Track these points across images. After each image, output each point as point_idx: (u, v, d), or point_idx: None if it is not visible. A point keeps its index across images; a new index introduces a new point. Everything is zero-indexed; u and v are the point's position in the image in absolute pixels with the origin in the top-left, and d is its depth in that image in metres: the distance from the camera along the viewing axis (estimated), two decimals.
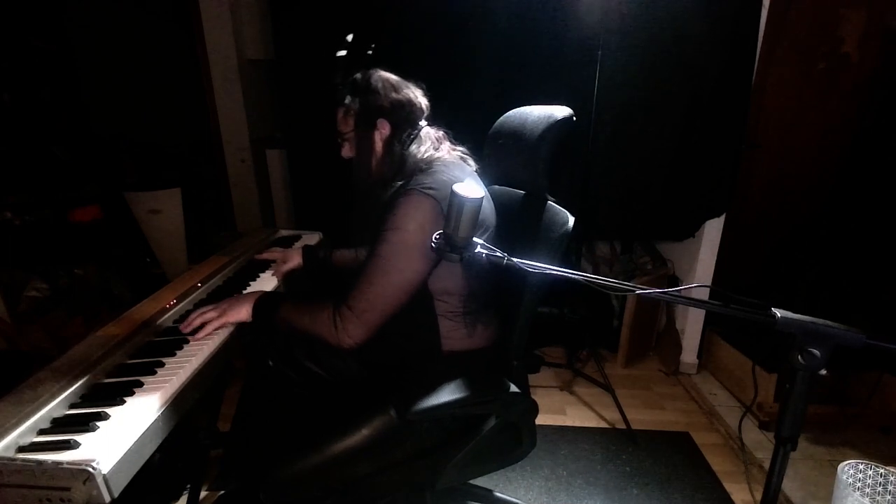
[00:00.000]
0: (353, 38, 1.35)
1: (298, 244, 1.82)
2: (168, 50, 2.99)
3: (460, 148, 1.22)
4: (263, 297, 1.15)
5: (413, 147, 1.12)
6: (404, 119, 1.13)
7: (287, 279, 1.52)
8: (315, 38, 2.10)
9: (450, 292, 1.08)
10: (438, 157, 1.12)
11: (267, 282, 1.45)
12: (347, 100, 1.14)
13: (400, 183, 1.08)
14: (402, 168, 1.11)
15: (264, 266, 1.55)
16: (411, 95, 1.14)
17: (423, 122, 1.17)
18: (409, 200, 1.01)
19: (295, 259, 1.54)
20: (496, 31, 2.05)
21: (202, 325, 1.10)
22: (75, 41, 3.01)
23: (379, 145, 1.15)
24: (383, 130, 1.13)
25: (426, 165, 1.09)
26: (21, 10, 2.72)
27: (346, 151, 1.19)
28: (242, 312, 1.12)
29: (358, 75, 1.15)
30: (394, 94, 1.12)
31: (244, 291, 1.38)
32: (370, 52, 1.36)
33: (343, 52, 1.33)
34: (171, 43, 2.94)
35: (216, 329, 1.11)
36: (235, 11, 2.46)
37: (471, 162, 1.21)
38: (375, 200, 1.12)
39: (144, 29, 3.03)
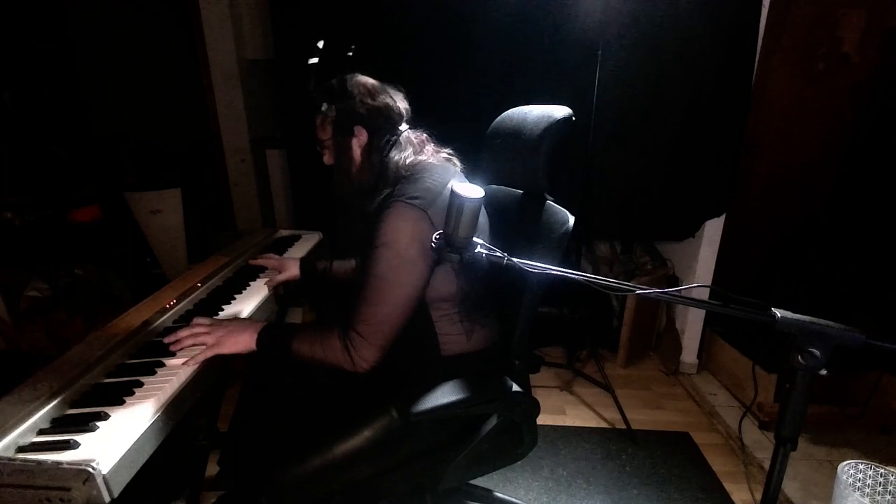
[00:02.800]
0: (328, 43, 1.33)
1: (298, 244, 1.82)
2: (168, 50, 2.98)
3: (446, 149, 1.20)
4: (267, 327, 1.08)
5: (393, 153, 1.10)
6: (382, 125, 1.10)
7: (282, 289, 1.50)
8: (315, 38, 2.08)
9: (444, 298, 1.07)
10: (421, 161, 1.10)
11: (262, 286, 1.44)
12: (324, 107, 1.12)
13: (384, 193, 1.06)
14: (383, 175, 1.09)
15: (264, 267, 1.54)
16: (389, 101, 1.12)
17: (403, 127, 1.14)
18: (394, 213, 0.98)
19: (291, 269, 1.50)
20: (496, 31, 2.05)
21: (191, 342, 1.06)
22: (75, 41, 3.00)
23: (357, 152, 1.12)
24: (361, 137, 1.11)
25: (408, 171, 1.07)
26: (21, 10, 2.72)
27: (328, 159, 1.18)
28: (241, 343, 1.06)
29: (333, 81, 1.12)
30: (370, 101, 1.09)
31: (244, 291, 1.38)
32: (350, 53, 1.34)
33: (315, 60, 1.31)
34: (171, 43, 2.93)
35: (207, 358, 1.03)
36: (235, 11, 2.46)
37: (456, 162, 1.20)
38: (360, 210, 1.10)
39: (144, 29, 3.02)
